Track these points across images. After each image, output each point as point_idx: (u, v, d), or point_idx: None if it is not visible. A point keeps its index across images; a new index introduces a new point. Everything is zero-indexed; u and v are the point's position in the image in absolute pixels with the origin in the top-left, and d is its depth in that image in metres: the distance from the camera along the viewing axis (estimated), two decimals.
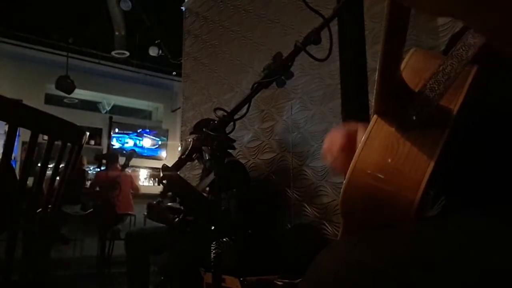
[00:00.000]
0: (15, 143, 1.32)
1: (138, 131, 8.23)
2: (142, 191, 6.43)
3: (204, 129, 1.13)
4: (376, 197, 0.60)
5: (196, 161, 2.44)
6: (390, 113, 0.62)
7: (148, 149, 8.29)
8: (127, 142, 8.06)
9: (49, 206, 1.15)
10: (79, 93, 7.44)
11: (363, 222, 0.64)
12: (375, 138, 0.62)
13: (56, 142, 1.08)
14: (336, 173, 0.86)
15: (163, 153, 8.36)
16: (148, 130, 8.36)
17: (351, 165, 0.61)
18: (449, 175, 0.65)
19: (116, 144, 7.84)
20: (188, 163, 1.21)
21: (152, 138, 8.35)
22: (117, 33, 6.39)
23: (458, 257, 0.52)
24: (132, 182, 5.93)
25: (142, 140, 8.25)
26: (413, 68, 0.67)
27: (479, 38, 0.60)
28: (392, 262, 0.52)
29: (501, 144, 0.64)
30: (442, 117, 0.60)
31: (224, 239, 1.13)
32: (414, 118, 0.60)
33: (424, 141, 0.59)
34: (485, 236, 0.54)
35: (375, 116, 0.64)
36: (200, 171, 2.96)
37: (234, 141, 2.62)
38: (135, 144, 8.08)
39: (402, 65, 0.66)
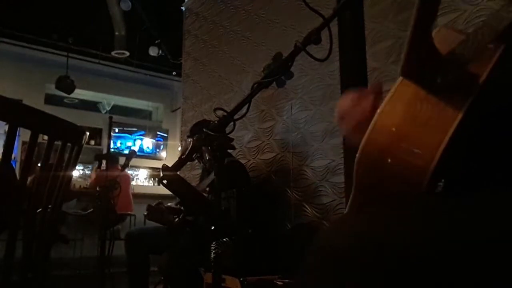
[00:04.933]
0: (15, 143, 1.32)
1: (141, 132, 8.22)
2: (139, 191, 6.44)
3: (204, 129, 1.13)
4: (391, 159, 0.59)
5: (196, 161, 2.44)
6: (416, 74, 0.61)
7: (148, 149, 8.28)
8: (127, 143, 8.06)
9: (49, 206, 1.15)
10: (79, 93, 7.43)
11: (374, 188, 0.63)
12: (398, 98, 0.62)
13: (56, 142, 1.08)
14: (348, 136, 0.85)
15: (163, 153, 8.36)
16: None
17: (372, 122, 0.61)
18: (454, 160, 0.64)
19: (118, 143, 7.83)
20: (188, 163, 1.21)
21: (151, 138, 8.34)
22: (117, 33, 6.38)
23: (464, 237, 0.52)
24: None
25: (142, 140, 8.24)
26: (441, 39, 0.66)
27: None
28: (400, 236, 0.53)
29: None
30: (467, 83, 0.58)
31: (224, 239, 1.13)
32: (439, 81, 0.59)
33: (446, 107, 0.57)
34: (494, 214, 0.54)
35: (400, 77, 0.63)
36: (200, 171, 2.96)
37: (233, 139, 2.62)
38: (134, 145, 8.07)
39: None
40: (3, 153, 0.99)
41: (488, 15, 0.63)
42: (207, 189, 1.84)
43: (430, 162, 0.56)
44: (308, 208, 2.39)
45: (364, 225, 0.55)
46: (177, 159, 1.17)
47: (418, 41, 0.58)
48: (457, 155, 0.62)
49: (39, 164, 1.08)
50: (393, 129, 0.60)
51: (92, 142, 7.45)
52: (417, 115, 0.59)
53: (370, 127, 0.61)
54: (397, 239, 0.52)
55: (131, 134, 8.11)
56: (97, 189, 3.65)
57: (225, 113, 1.11)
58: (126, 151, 7.71)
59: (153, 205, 2.19)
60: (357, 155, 0.62)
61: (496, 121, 0.63)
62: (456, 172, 0.66)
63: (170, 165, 1.13)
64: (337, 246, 0.53)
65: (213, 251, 1.10)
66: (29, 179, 1.08)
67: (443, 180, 0.66)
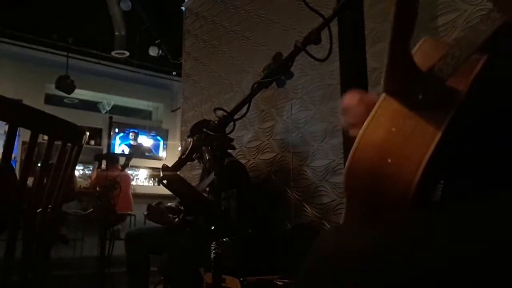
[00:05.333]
0: (15, 143, 1.32)
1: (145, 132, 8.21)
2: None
3: (204, 129, 1.13)
4: (378, 174, 0.60)
5: (196, 161, 2.44)
6: (398, 92, 0.63)
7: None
8: (128, 142, 8.05)
9: (49, 206, 1.15)
10: (79, 93, 7.43)
11: (365, 201, 0.65)
12: (382, 115, 0.63)
13: (56, 142, 1.08)
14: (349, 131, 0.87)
15: (163, 153, 8.36)
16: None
17: (356, 140, 0.62)
18: (451, 160, 0.65)
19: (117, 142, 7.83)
20: (188, 163, 1.21)
21: (151, 138, 8.33)
22: (117, 33, 6.38)
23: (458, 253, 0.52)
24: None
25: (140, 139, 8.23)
26: (424, 52, 0.68)
27: (490, 26, 0.61)
28: (400, 236, 0.53)
29: (503, 135, 0.64)
30: (448, 98, 0.60)
31: (224, 239, 1.13)
32: (420, 97, 0.60)
33: (428, 122, 0.59)
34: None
35: (383, 94, 0.65)
36: (200, 171, 2.96)
37: (233, 139, 2.63)
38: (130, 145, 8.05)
39: (414, 50, 0.67)
40: (3, 153, 0.99)
41: (466, 30, 0.65)
42: (207, 189, 1.84)
43: (415, 175, 0.57)
44: (308, 208, 2.39)
45: (364, 227, 0.56)
46: (177, 159, 1.17)
47: (397, 59, 0.60)
48: (442, 166, 0.63)
49: (39, 164, 1.08)
50: (379, 143, 0.61)
51: (92, 142, 7.45)
52: (400, 130, 0.61)
53: (355, 143, 0.62)
54: (396, 240, 0.53)
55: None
56: (97, 189, 3.66)
57: (225, 113, 1.11)
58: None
59: (153, 205, 2.19)
60: (345, 167, 0.64)
61: (480, 130, 0.64)
62: (449, 181, 0.67)
63: (170, 165, 1.13)
64: (338, 246, 0.53)
65: (213, 251, 1.10)
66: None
67: (441, 187, 0.67)
